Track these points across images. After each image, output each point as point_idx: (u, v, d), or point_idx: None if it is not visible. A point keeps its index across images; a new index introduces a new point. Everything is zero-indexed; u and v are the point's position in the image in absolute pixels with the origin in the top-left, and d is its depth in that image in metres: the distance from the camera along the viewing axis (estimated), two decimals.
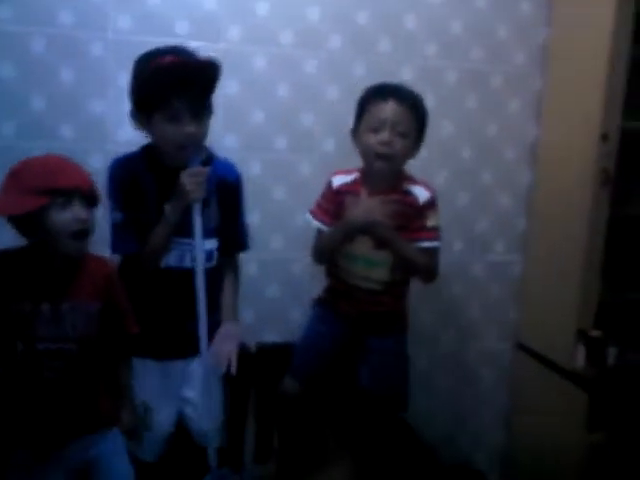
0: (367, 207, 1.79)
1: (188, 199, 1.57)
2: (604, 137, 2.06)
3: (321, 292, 2.04)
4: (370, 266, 1.85)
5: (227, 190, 1.73)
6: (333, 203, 1.90)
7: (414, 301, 2.33)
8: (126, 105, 1.68)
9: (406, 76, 2.26)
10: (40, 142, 2.01)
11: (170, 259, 1.65)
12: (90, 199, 1.42)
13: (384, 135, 1.75)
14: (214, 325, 1.70)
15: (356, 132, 1.85)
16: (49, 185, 1.34)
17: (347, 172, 1.91)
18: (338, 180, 1.91)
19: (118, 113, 2.04)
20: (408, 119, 1.77)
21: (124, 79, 1.93)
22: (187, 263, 1.66)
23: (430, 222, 1.84)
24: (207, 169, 1.60)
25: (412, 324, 2.33)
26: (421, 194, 1.83)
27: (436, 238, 1.86)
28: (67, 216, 1.36)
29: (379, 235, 1.80)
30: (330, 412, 2.14)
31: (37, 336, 1.39)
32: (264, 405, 2.07)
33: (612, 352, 2.15)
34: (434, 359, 2.51)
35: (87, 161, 1.76)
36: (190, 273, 1.63)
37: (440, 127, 2.33)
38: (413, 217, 1.83)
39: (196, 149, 1.60)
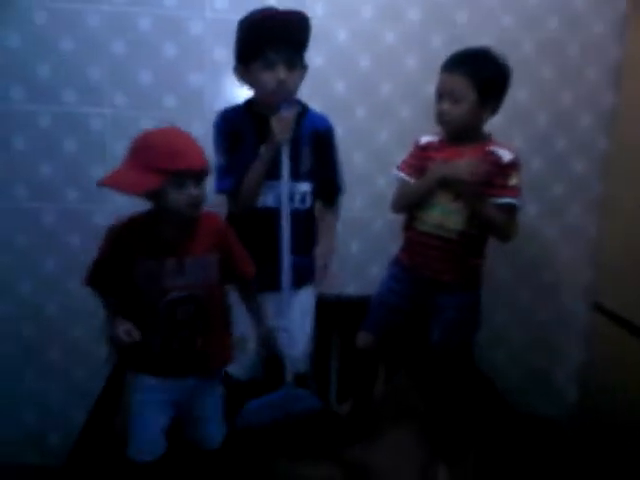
0: (455, 164, 1.87)
1: (275, 141, 1.74)
2: None
3: (397, 251, 2.11)
4: (446, 214, 1.91)
5: (319, 138, 1.89)
6: (418, 159, 1.98)
7: (491, 260, 2.45)
8: (222, 78, 1.85)
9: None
10: (147, 112, 2.24)
11: (268, 199, 1.81)
12: (202, 175, 1.55)
13: (440, 105, 1.89)
14: (303, 263, 1.88)
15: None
16: (169, 167, 1.46)
17: (434, 134, 2.00)
18: (425, 139, 2.00)
19: (215, 85, 2.23)
20: (462, 85, 1.84)
21: (220, 54, 2.11)
22: (278, 204, 1.81)
23: (512, 181, 1.88)
24: (292, 113, 1.75)
25: (489, 281, 2.42)
26: (504, 155, 1.88)
27: (517, 196, 1.89)
28: (181, 195, 1.49)
29: (459, 190, 1.87)
30: (404, 364, 2.26)
31: (167, 287, 1.56)
32: (345, 351, 2.20)
33: None
34: (510, 315, 2.58)
35: (188, 129, 1.93)
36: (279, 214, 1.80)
37: (516, 94, 2.40)
38: (496, 175, 1.88)
39: (287, 96, 1.76)
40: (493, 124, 2.20)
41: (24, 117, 2.23)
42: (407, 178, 1.99)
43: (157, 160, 1.46)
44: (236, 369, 1.89)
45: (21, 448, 2.48)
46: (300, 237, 1.86)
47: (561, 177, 2.51)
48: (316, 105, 2.23)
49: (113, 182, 1.48)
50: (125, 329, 1.52)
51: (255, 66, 1.74)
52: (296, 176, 1.82)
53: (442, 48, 2.28)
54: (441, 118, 1.91)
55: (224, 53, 2.12)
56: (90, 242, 1.60)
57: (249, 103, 1.86)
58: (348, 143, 2.31)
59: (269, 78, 1.73)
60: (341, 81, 2.32)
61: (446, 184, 1.88)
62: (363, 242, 2.41)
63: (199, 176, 1.53)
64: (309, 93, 2.16)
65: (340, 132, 2.25)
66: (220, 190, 1.84)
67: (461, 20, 2.34)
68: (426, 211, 1.95)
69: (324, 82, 2.30)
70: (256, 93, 1.82)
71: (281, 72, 1.72)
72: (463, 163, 1.86)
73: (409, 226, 2.03)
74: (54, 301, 2.38)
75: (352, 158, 2.34)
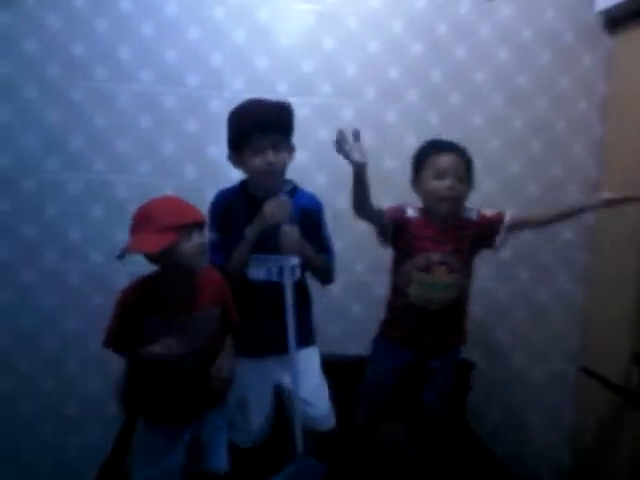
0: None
1: (267, 221, 1.85)
2: None
3: (381, 327, 2.17)
4: (447, 289, 2.01)
5: (309, 216, 1.99)
6: (396, 215, 2.05)
7: (487, 324, 2.61)
8: None
9: (475, 123, 2.55)
10: (169, 180, 2.42)
11: (260, 273, 1.89)
12: (201, 226, 1.73)
13: (447, 181, 1.96)
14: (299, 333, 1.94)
15: (417, 180, 2.05)
16: (178, 222, 1.64)
17: (412, 207, 2.08)
18: (410, 212, 2.06)
19: None
20: (463, 167, 1.98)
21: None
22: (273, 277, 1.88)
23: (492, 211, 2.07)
24: (286, 197, 1.88)
25: (485, 343, 2.58)
26: (472, 213, 2.06)
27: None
28: (191, 244, 1.66)
29: None
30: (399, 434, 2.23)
31: (178, 341, 1.69)
32: (345, 410, 2.17)
33: None
34: (505, 377, 2.69)
35: (205, 197, 2.08)
36: (275, 285, 1.88)
37: (507, 167, 2.59)
38: (481, 231, 2.04)
39: (278, 179, 1.90)
40: (486, 192, 2.37)
41: (57, 185, 2.41)
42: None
43: (168, 220, 1.64)
44: (239, 435, 1.97)
45: None
46: (295, 303, 1.90)
47: (550, 245, 2.65)
48: (323, 176, 2.43)
49: (136, 246, 1.64)
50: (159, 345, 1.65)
51: (246, 152, 1.88)
52: None
53: (438, 126, 2.50)
54: (450, 194, 1.96)
55: None
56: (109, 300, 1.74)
57: (243, 184, 2.00)
58: (350, 211, 2.44)
59: (258, 161, 1.87)
60: None
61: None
62: (364, 304, 2.54)
63: (201, 227, 1.72)
64: (317, 165, 2.37)
65: (343, 200, 2.37)
66: (213, 263, 1.94)
67: (454, 101, 2.54)
68: (425, 291, 2.02)
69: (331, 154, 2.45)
70: (249, 176, 1.96)
71: (269, 155, 1.86)
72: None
73: (399, 302, 2.08)
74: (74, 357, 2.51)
75: (355, 225, 2.44)
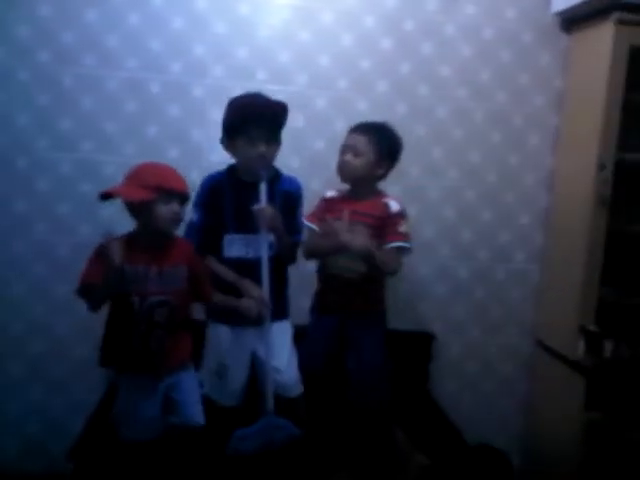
0: (353, 237, 2.12)
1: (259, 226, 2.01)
2: (601, 166, 2.42)
3: (313, 299, 2.35)
4: (353, 258, 2.16)
5: (289, 198, 2.15)
6: (322, 210, 2.27)
7: (446, 300, 2.78)
8: (218, 135, 2.13)
9: (440, 114, 2.72)
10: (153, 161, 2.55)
11: (236, 251, 2.07)
12: (183, 198, 1.87)
13: (342, 157, 2.20)
14: (275, 301, 2.08)
15: None
16: (160, 184, 1.77)
17: (338, 190, 2.31)
18: (329, 194, 2.31)
19: (212, 140, 2.51)
20: (363, 143, 2.16)
21: (217, 114, 2.41)
22: (250, 255, 2.06)
23: (401, 228, 2.19)
24: (268, 208, 2.00)
25: (445, 319, 2.76)
26: (393, 205, 2.19)
27: (406, 240, 2.19)
28: (167, 209, 1.79)
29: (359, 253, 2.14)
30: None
31: (149, 291, 1.83)
32: None
33: (608, 345, 2.45)
34: (463, 349, 2.86)
35: (188, 177, 2.24)
36: (251, 263, 2.04)
37: (469, 156, 2.77)
38: (388, 224, 2.17)
39: (266, 167, 2.03)
40: (450, 178, 2.53)
41: (48, 163, 2.55)
42: (314, 227, 2.27)
43: (151, 179, 1.79)
44: (218, 395, 2.10)
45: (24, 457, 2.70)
46: (271, 278, 2.06)
47: (508, 227, 2.83)
48: (297, 159, 2.59)
49: (116, 191, 1.79)
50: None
51: (239, 141, 2.02)
52: None
53: (406, 116, 2.66)
54: (342, 167, 2.19)
55: (220, 113, 2.43)
56: None
57: (230, 169, 2.14)
58: (324, 190, 2.55)
59: (251, 152, 2.00)
60: (320, 140, 2.67)
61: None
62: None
63: (182, 198, 1.86)
64: (292, 149, 2.51)
65: (317, 182, 2.56)
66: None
67: (421, 93, 2.71)
68: (336, 256, 2.20)
69: (305, 140, 2.65)
70: (238, 163, 2.10)
71: (261, 147, 2.00)
72: (358, 240, 2.12)
73: (321, 268, 2.31)
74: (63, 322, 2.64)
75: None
